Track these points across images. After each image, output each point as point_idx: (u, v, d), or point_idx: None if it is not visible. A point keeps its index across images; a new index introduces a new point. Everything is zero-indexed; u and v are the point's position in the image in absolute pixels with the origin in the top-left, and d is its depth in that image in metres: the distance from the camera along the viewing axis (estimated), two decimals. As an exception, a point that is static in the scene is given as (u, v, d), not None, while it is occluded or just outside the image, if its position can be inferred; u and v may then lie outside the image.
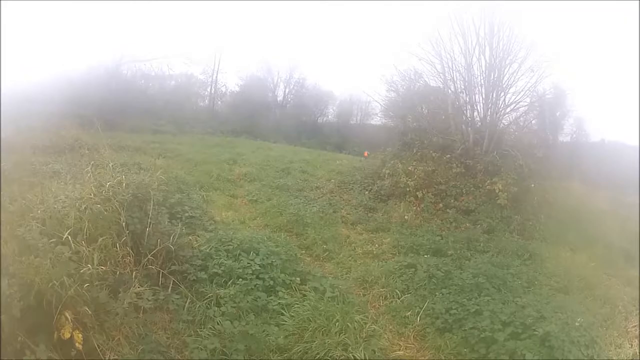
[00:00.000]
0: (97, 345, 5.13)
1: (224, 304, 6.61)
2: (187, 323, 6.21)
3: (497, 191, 12.50)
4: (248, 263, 7.56)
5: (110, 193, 7.08)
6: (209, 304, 6.64)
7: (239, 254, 7.81)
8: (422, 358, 6.48)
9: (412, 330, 6.97)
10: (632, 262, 10.74)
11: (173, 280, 6.69)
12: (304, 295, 7.20)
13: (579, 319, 6.78)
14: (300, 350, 6.05)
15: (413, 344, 6.75)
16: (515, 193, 12.62)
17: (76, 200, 6.78)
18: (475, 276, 8.30)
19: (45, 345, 4.72)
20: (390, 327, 7.05)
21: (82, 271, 5.52)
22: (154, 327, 6.02)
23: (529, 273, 9.17)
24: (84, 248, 5.99)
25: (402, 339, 6.85)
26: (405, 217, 11.67)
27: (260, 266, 7.54)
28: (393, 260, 9.21)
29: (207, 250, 7.78)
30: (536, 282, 8.83)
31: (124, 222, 6.70)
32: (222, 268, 7.33)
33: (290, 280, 7.52)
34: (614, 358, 6.57)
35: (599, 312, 7.78)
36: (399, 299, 7.79)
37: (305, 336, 6.23)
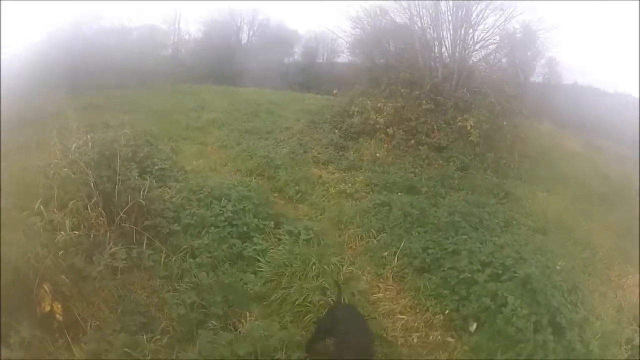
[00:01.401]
0: (78, 314, 5.05)
1: (199, 255, 6.51)
2: (164, 279, 6.11)
3: (468, 128, 12.34)
4: (220, 210, 7.42)
5: (77, 155, 6.89)
6: (184, 256, 6.52)
7: (211, 202, 7.66)
8: (402, 300, 6.41)
9: (390, 271, 6.91)
10: (608, 206, 10.71)
11: (147, 236, 6.52)
12: (279, 240, 7.12)
13: (560, 263, 6.81)
14: (279, 297, 6.00)
15: (392, 286, 6.70)
16: (487, 130, 12.47)
17: (44, 167, 6.67)
18: (451, 214, 8.26)
19: (28, 322, 4.67)
20: (368, 268, 6.98)
21: (56, 240, 5.43)
22: (133, 286, 5.93)
23: (506, 212, 9.16)
24: (56, 215, 5.88)
25: (381, 280, 6.80)
26: (377, 154, 11.49)
27: (232, 212, 7.40)
28: (367, 199, 9.11)
29: (179, 201, 7.61)
30: (513, 222, 8.82)
31: (92, 182, 6.46)
32: (195, 218, 7.17)
33: (264, 225, 7.38)
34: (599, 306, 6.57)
35: (580, 257, 7.81)
36: (375, 238, 7.70)
37: (282, 282, 6.17)
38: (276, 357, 4.96)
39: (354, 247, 7.60)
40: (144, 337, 5.04)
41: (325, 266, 6.38)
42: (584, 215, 9.72)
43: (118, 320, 5.22)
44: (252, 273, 6.41)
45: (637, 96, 16.70)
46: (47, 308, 4.81)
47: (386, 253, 7.22)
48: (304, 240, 7.06)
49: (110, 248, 5.95)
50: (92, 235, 6.09)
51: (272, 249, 6.84)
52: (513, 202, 9.92)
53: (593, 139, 16.22)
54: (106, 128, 10.04)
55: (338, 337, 4.98)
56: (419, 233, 7.71)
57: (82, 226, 6.07)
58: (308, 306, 5.83)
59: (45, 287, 4.89)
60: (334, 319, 5.23)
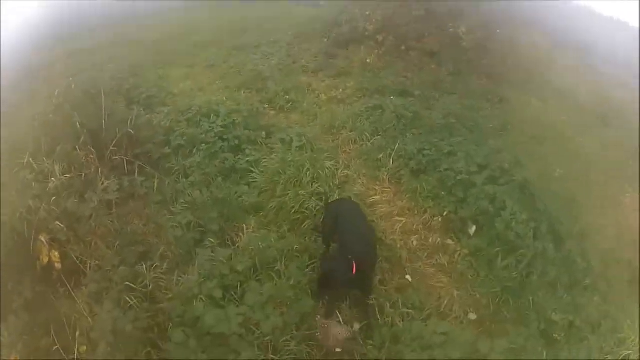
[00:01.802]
0: (76, 257, 4.93)
1: (191, 174, 6.36)
2: (159, 204, 5.96)
3: (460, 34, 11.94)
4: (210, 127, 7.19)
5: (61, 99, 6.70)
6: (177, 178, 6.38)
7: (200, 120, 7.43)
8: (400, 202, 6.30)
9: (386, 173, 6.74)
10: (607, 126, 10.31)
11: (139, 164, 6.32)
12: (271, 149, 6.95)
13: (558, 170, 6.70)
14: (275, 207, 5.87)
15: (389, 188, 6.55)
16: (480, 38, 12.07)
17: (29, 120, 6.56)
18: (446, 116, 8.02)
19: (30, 280, 4.61)
20: (364, 171, 6.82)
21: (47, 188, 5.33)
22: (129, 218, 5.76)
23: (501, 117, 8.87)
24: (46, 164, 5.75)
25: (377, 183, 6.65)
26: (367, 60, 11.02)
27: (222, 127, 7.18)
28: (359, 103, 8.76)
29: (168, 125, 7.34)
30: (509, 127, 8.56)
31: (78, 122, 6.24)
32: (185, 138, 6.96)
33: (256, 136, 7.19)
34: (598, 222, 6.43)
35: (577, 170, 7.56)
36: (369, 142, 7.46)
37: (277, 191, 6.01)
38: (275, 268, 4.86)
39: (348, 151, 7.38)
40: (144, 266, 4.95)
41: (319, 171, 6.21)
42: (581, 130, 9.32)
43: (116, 254, 5.10)
44: (245, 185, 6.26)
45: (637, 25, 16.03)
46: (46, 259, 4.71)
47: (381, 155, 7.00)
48: (296, 147, 6.87)
49: (102, 183, 5.77)
50: (83, 175, 5.88)
51: (265, 158, 6.66)
52: (508, 108, 9.57)
53: (591, 62, 15.64)
54: (92, 66, 9.66)
55: (341, 228, 5.00)
56: (413, 135, 7.48)
57: (72, 168, 5.88)
58: (305, 212, 5.72)
59: (42, 238, 4.77)
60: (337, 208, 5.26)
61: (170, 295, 4.68)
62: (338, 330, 4.56)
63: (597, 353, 4.75)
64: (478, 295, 5.26)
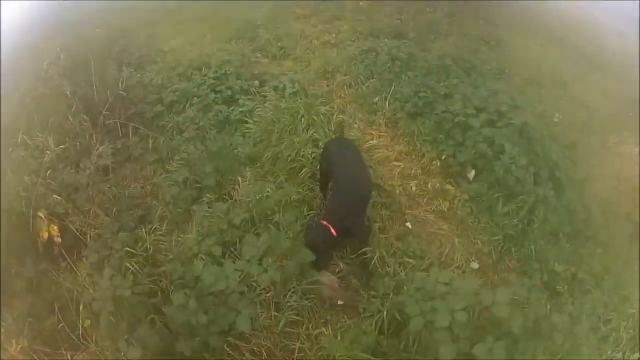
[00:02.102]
0: (75, 229, 4.81)
1: (185, 130, 6.17)
2: (155, 163, 5.85)
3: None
4: (202, 79, 6.97)
5: (50, 71, 6.53)
6: (171, 135, 6.20)
7: (191, 74, 7.20)
8: (397, 146, 6.16)
9: (382, 117, 6.56)
10: (606, 74, 9.97)
11: (132, 126, 6.17)
12: (265, 97, 6.69)
13: (557, 115, 6.53)
14: (271, 156, 5.70)
15: (386, 132, 6.39)
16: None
17: (20, 97, 6.39)
18: (442, 58, 7.76)
19: (32, 259, 4.49)
20: (359, 115, 6.64)
21: (43, 162, 5.19)
22: (126, 182, 5.68)
23: (499, 60, 8.60)
24: (40, 138, 5.58)
25: (374, 127, 6.48)
26: (361, 3, 10.79)
27: (214, 79, 6.96)
28: (352, 46, 8.53)
29: (159, 82, 7.10)
30: (506, 70, 8.30)
31: (69, 91, 6.09)
32: (177, 93, 6.75)
33: (248, 85, 6.93)
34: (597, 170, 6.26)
35: (577, 115, 7.36)
36: (363, 85, 7.26)
37: (272, 140, 5.83)
38: (274, 219, 4.71)
39: (342, 95, 7.18)
40: (143, 230, 4.85)
41: (314, 117, 5.97)
42: (580, 77, 9.01)
43: (115, 220, 4.97)
44: (240, 135, 6.08)
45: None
46: (46, 235, 4.59)
47: (377, 99, 6.81)
48: (290, 93, 6.64)
49: (97, 149, 5.63)
50: (78, 144, 5.74)
51: (259, 107, 6.43)
52: (506, 51, 9.27)
53: (592, 11, 15.03)
54: (78, 37, 9.12)
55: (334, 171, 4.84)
56: (408, 77, 7.24)
57: (67, 138, 5.72)
58: (301, 160, 5.54)
59: (40, 214, 4.65)
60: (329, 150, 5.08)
61: (170, 257, 4.58)
62: (339, 284, 4.48)
63: (602, 308, 4.62)
64: (480, 243, 5.12)
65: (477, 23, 10.45)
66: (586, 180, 5.86)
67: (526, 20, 11.28)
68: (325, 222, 4.30)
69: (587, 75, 9.23)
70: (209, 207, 4.89)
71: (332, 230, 4.25)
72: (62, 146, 5.52)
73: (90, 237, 4.82)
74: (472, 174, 5.70)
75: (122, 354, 3.59)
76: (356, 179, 4.76)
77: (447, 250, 4.93)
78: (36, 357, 3.91)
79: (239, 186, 5.36)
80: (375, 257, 4.60)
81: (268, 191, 5.05)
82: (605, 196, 5.85)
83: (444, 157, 5.87)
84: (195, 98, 6.62)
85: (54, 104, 6.09)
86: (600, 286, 4.84)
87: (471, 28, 9.92)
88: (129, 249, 4.57)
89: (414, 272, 4.23)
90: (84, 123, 5.95)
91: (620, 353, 4.29)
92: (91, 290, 4.12)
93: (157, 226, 4.95)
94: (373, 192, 5.10)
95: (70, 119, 5.93)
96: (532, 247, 5.05)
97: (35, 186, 4.84)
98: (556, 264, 4.88)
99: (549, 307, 4.35)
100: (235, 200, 5.11)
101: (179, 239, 4.76)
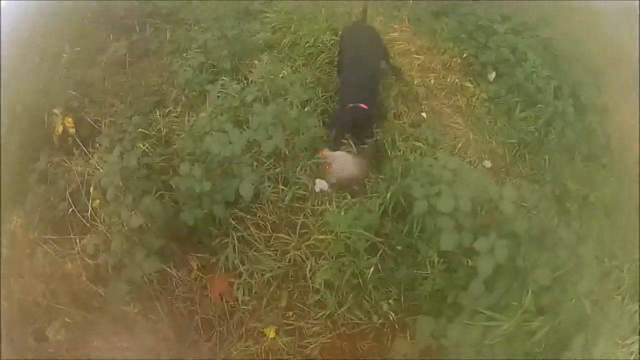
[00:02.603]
0: (90, 119, 4.70)
1: (203, 21, 5.93)
2: (172, 54, 5.61)
3: None
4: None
5: None
6: (189, 27, 5.96)
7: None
8: (419, 41, 5.87)
9: (405, 13, 6.19)
10: None
11: (150, 21, 6.01)
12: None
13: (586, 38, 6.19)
14: (289, 42, 5.48)
15: (408, 28, 6.04)
16: None
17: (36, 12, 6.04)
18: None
19: (46, 153, 4.48)
20: (382, 9, 6.26)
21: (61, 62, 5.16)
22: (143, 73, 5.46)
23: None
24: (55, 47, 5.43)
25: (396, 22, 6.12)
26: None
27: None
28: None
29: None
30: None
31: None
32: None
33: (270, -22, 6.65)
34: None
35: (606, 47, 6.57)
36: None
37: (291, 28, 5.61)
38: (287, 97, 4.49)
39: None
40: (158, 113, 4.75)
41: (335, 10, 5.80)
42: (617, 22, 8.14)
43: (130, 107, 4.88)
44: (259, 23, 5.83)
45: None
46: (60, 129, 4.47)
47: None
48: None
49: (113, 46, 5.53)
50: (94, 45, 5.63)
51: (280, -1, 6.21)
52: None
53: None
54: None
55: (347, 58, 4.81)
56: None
57: (83, 43, 5.57)
58: (319, 46, 5.35)
59: (56, 110, 4.51)
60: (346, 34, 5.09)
61: (182, 135, 4.49)
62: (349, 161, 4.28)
63: (609, 239, 4.29)
64: (494, 143, 4.93)
65: None
66: (608, 109, 5.52)
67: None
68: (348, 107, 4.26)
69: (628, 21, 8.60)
70: (222, 87, 4.71)
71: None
72: (77, 48, 5.39)
73: (105, 125, 4.73)
74: (492, 75, 5.45)
75: (124, 223, 3.57)
76: (365, 55, 4.66)
77: (460, 144, 4.77)
78: (45, 246, 3.95)
79: (255, 69, 5.14)
80: (386, 140, 4.51)
81: (283, 73, 4.87)
82: (626, 133, 5.48)
83: (465, 55, 5.63)
84: (214, -11, 6.31)
85: (71, 12, 5.95)
86: (610, 217, 4.58)
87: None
88: (142, 130, 4.50)
89: (424, 157, 4.14)
90: (100, 25, 5.84)
91: (620, 297, 3.92)
92: (101, 170, 4.03)
93: (172, 109, 4.85)
94: (389, 77, 4.99)
95: (87, 22, 5.84)
96: (547, 157, 4.88)
97: (51, 85, 4.82)
98: (569, 180, 4.68)
99: (556, 221, 4.04)
100: (251, 81, 4.92)
101: (192, 118, 4.65)
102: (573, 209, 4.50)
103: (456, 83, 5.38)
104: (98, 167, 4.17)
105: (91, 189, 4.05)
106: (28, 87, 4.89)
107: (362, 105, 4.28)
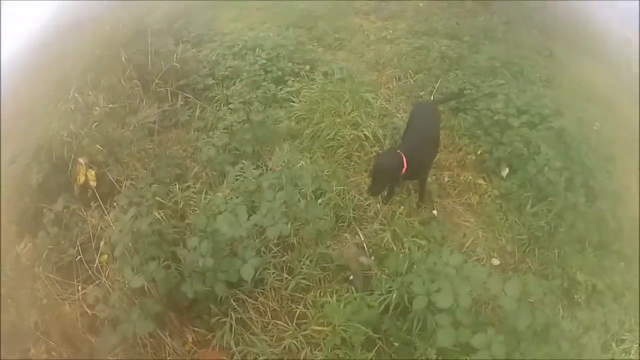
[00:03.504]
0: (112, 177, 4.88)
1: (232, 102, 6.12)
2: (199, 130, 5.87)
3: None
4: (254, 59, 6.90)
5: (110, 37, 6.66)
6: (218, 106, 6.21)
7: (245, 53, 7.13)
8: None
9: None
10: None
11: (182, 94, 6.20)
12: (313, 80, 6.59)
13: (596, 123, 6.21)
14: (311, 133, 5.64)
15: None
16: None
17: (77, 59, 6.40)
18: (491, 59, 7.46)
19: (65, 199, 4.60)
20: (403, 106, 6.45)
21: (91, 116, 5.26)
22: (169, 143, 5.69)
23: (549, 69, 8.18)
24: (90, 96, 5.58)
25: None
26: (420, 4, 10.58)
27: (267, 60, 6.87)
28: (406, 43, 8.30)
29: (214, 58, 7.13)
30: (556, 81, 7.87)
31: (124, 57, 6.13)
32: (229, 69, 6.74)
33: (299, 69, 6.85)
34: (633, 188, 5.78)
35: (618, 131, 6.83)
36: (412, 78, 7.11)
37: (314, 119, 5.76)
38: (302, 189, 4.56)
39: (390, 87, 7.01)
40: (177, 186, 4.91)
41: (359, 102, 5.94)
42: (631, 102, 8.33)
43: (152, 174, 5.03)
44: (283, 110, 6.05)
45: None
46: (82, 179, 4.64)
47: (422, 93, 6.71)
48: (338, 79, 6.52)
49: (145, 111, 5.74)
50: (127, 106, 5.80)
51: (306, 88, 6.36)
52: (557, 63, 8.81)
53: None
54: (138, 11, 9.24)
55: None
56: (456, 75, 7.07)
57: (118, 99, 5.76)
58: (340, 140, 5.50)
59: (81, 160, 4.71)
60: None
61: (197, 212, 4.57)
62: (356, 254, 4.35)
63: (617, 325, 4.25)
64: (504, 241, 4.90)
65: (532, 33, 10.03)
66: (620, 194, 5.47)
67: (584, 37, 10.82)
68: (400, 152, 4.44)
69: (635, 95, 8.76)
70: (242, 170, 4.85)
71: (404, 161, 4.38)
72: (111, 105, 5.54)
73: (125, 186, 4.86)
74: (505, 171, 5.51)
75: (127, 282, 3.60)
76: (432, 130, 5.05)
77: (469, 242, 4.79)
78: (46, 282, 4.08)
79: (274, 157, 5.25)
80: (387, 236, 4.57)
81: (301, 163, 5.04)
82: (638, 214, 5.41)
83: (479, 152, 5.75)
84: (245, 74, 6.58)
85: (109, 67, 6.07)
86: (619, 302, 4.49)
87: (525, 37, 9.54)
88: (159, 199, 4.59)
89: (429, 254, 4.10)
90: (136, 87, 5.98)
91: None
92: (114, 228, 4.09)
93: (191, 184, 4.98)
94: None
95: (123, 83, 5.93)
96: (556, 251, 4.78)
97: (80, 135, 4.90)
98: (578, 272, 4.58)
99: (561, 314, 4.12)
100: (269, 168, 5.03)
101: (209, 196, 4.75)
102: (581, 300, 4.43)
103: (469, 180, 5.47)
104: (112, 225, 4.26)
105: (102, 243, 4.15)
106: (58, 128, 5.00)
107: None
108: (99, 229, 4.35)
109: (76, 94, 5.52)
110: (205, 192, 4.87)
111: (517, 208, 5.18)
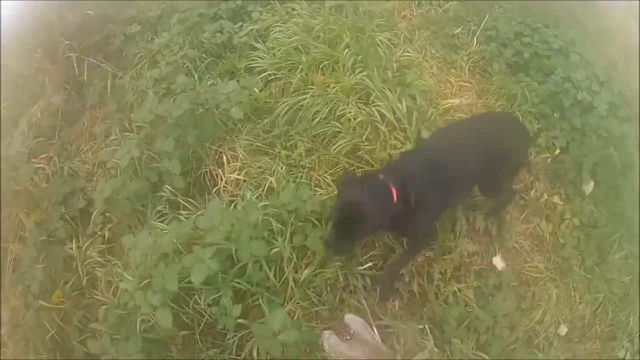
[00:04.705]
0: None
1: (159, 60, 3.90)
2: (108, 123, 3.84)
3: None
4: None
5: None
6: (140, 70, 3.97)
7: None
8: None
9: (466, 58, 4.01)
10: None
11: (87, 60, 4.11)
12: (293, 10, 4.00)
13: None
14: (284, 113, 3.36)
15: (470, 83, 3.89)
16: None
17: None
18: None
19: None
20: (433, 51, 4.08)
21: None
22: (72, 149, 3.85)
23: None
24: None
25: (452, 71, 3.96)
26: None
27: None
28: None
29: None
30: None
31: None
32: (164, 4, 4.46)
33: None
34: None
35: None
36: (440, 7, 4.45)
37: (292, 81, 3.45)
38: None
39: (408, 16, 4.40)
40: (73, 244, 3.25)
41: (368, 48, 3.55)
42: None
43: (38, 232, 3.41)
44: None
45: None
46: None
47: (458, 30, 4.20)
48: (331, 7, 3.91)
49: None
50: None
51: (279, 27, 3.81)
52: None
53: None
54: None
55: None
56: (503, 9, 4.45)
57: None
58: (337, 126, 3.25)
59: None
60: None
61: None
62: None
63: None
64: (577, 298, 3.26)
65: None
66: None
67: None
68: (383, 176, 2.52)
69: None
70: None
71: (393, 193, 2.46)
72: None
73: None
74: (590, 186, 3.50)
75: None
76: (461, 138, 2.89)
77: (539, 314, 3.10)
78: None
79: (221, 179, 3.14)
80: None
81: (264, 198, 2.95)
82: None
83: (557, 151, 3.58)
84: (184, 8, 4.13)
85: None
86: None
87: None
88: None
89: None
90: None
91: None
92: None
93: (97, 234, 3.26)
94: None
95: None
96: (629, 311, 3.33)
97: None
98: None
99: None
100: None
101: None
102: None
103: (543, 197, 3.44)
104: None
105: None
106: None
107: None
108: None
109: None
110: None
111: (596, 249, 3.40)
